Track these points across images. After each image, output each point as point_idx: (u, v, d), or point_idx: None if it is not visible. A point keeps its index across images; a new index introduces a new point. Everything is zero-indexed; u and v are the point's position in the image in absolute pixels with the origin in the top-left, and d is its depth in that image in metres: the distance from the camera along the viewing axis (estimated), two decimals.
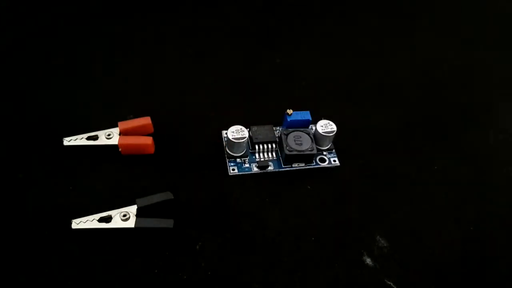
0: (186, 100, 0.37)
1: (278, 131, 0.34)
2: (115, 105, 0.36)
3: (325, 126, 0.33)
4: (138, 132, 0.33)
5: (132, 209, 0.29)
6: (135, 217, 0.28)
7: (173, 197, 0.30)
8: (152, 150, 0.33)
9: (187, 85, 0.38)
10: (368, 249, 0.29)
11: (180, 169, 0.32)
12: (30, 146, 0.33)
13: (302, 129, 0.33)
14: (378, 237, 0.30)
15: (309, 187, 0.32)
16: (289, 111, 0.33)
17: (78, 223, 0.28)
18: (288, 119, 0.33)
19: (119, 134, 0.32)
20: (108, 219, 0.28)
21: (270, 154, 0.33)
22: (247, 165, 0.33)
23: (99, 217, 0.28)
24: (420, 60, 0.43)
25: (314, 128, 0.33)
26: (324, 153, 0.34)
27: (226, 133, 0.33)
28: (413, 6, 0.50)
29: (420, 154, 0.35)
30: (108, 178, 0.31)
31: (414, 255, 0.29)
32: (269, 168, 0.33)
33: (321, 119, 0.33)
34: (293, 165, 0.33)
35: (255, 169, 0.33)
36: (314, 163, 0.33)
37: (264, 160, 0.33)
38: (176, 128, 0.35)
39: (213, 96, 0.38)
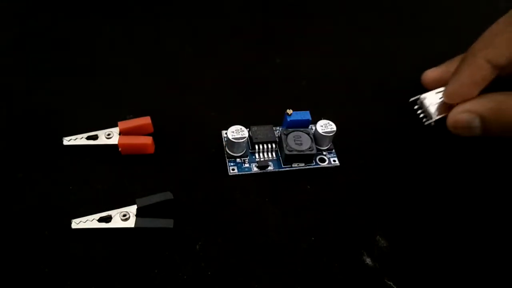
0: (186, 100, 0.37)
1: (278, 131, 0.34)
2: (115, 105, 0.36)
3: (325, 126, 0.33)
4: (138, 132, 0.33)
5: (132, 209, 0.29)
6: (135, 217, 0.28)
7: (173, 197, 0.30)
8: (152, 150, 0.33)
9: (187, 85, 0.38)
10: (368, 249, 0.29)
11: (180, 169, 0.32)
12: (30, 146, 0.33)
13: (302, 129, 0.33)
14: (378, 237, 0.30)
15: (309, 187, 0.32)
16: (289, 111, 0.33)
17: (78, 223, 0.28)
18: (288, 119, 0.33)
19: (119, 134, 0.32)
20: (108, 219, 0.28)
21: (270, 154, 0.33)
22: (247, 165, 0.33)
23: (99, 217, 0.28)
24: (421, 60, 0.43)
25: (314, 128, 0.33)
26: (324, 153, 0.34)
27: (226, 133, 0.33)
28: (414, 6, 0.50)
29: (420, 154, 0.35)
30: (108, 178, 0.31)
31: (414, 255, 0.29)
32: (269, 168, 0.33)
33: (321, 119, 0.33)
34: (293, 165, 0.33)
35: (255, 169, 0.33)
36: (314, 163, 0.33)
37: (264, 160, 0.33)
38: (176, 128, 0.35)
39: (213, 96, 0.38)
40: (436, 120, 0.32)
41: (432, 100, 0.32)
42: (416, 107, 0.32)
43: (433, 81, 0.33)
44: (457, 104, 0.30)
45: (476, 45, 0.30)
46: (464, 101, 0.30)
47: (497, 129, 0.29)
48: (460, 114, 0.29)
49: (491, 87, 0.30)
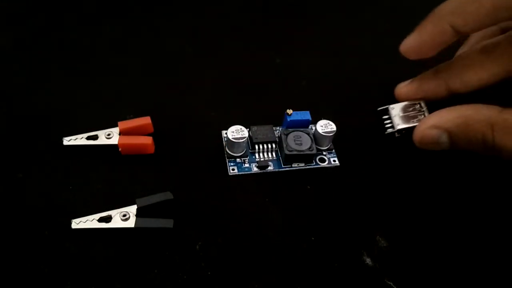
0: (186, 100, 0.37)
1: (278, 131, 0.34)
2: (115, 105, 0.36)
3: (325, 126, 0.33)
4: (138, 132, 0.33)
5: (132, 209, 0.29)
6: (135, 217, 0.28)
7: (173, 197, 0.30)
8: (152, 150, 0.33)
9: (187, 85, 0.38)
10: (368, 249, 0.29)
11: (180, 169, 0.32)
12: (30, 146, 0.33)
13: (302, 129, 0.33)
14: (378, 237, 0.30)
15: (309, 187, 0.32)
16: (289, 111, 0.33)
17: (78, 223, 0.28)
18: (288, 119, 0.33)
19: (119, 134, 0.32)
20: (108, 219, 0.28)
21: (270, 154, 0.33)
22: (247, 165, 0.33)
23: (99, 217, 0.28)
24: (421, 60, 0.43)
25: (314, 128, 0.33)
26: (324, 153, 0.34)
27: (226, 133, 0.33)
28: (414, 6, 0.50)
29: (420, 154, 0.35)
30: (108, 178, 0.31)
31: (414, 255, 0.29)
32: (269, 168, 0.33)
33: (321, 119, 0.33)
34: (293, 165, 0.33)
35: (255, 169, 0.33)
36: (314, 163, 0.33)
37: (264, 160, 0.33)
38: (176, 128, 0.35)
39: (213, 96, 0.38)
40: (401, 132, 0.32)
41: (398, 111, 0.33)
42: (384, 117, 0.33)
43: (406, 97, 0.33)
44: (424, 117, 0.31)
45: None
46: (431, 115, 0.30)
47: (465, 144, 0.28)
48: (427, 130, 0.29)
49: (456, 101, 0.30)
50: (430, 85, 0.33)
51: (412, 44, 0.32)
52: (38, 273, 0.27)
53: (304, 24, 0.46)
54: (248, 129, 0.33)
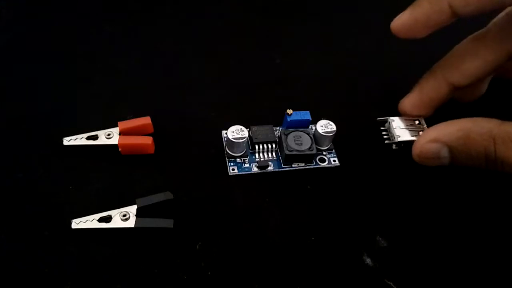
0: (186, 100, 0.37)
1: (278, 131, 0.34)
2: (115, 105, 0.36)
3: (325, 126, 0.33)
4: (138, 132, 0.33)
5: (132, 209, 0.29)
6: (135, 217, 0.28)
7: (173, 197, 0.30)
8: (152, 150, 0.33)
9: (187, 85, 0.38)
10: (368, 249, 0.29)
11: (180, 169, 0.32)
12: (30, 146, 0.33)
13: (302, 129, 0.33)
14: (378, 237, 0.30)
15: (309, 187, 0.32)
16: (289, 111, 0.33)
17: (78, 223, 0.28)
18: (288, 119, 0.33)
19: (119, 134, 0.32)
20: (108, 219, 0.28)
21: (270, 154, 0.33)
22: (247, 165, 0.33)
23: (99, 217, 0.28)
24: (421, 60, 0.43)
25: (314, 128, 0.33)
26: (324, 153, 0.34)
27: (226, 133, 0.33)
28: None
29: None
30: (108, 178, 0.31)
31: (414, 255, 0.29)
32: (269, 168, 0.33)
33: (321, 119, 0.33)
34: (293, 165, 0.33)
35: (255, 169, 0.33)
36: (314, 163, 0.33)
37: (264, 160, 0.33)
38: (176, 128, 0.35)
39: (213, 96, 0.38)
40: (400, 145, 0.32)
41: (399, 124, 0.32)
42: (382, 128, 0.33)
43: (411, 108, 0.32)
44: (422, 132, 0.31)
45: (441, 64, 0.32)
46: (430, 129, 0.29)
47: (467, 160, 0.27)
48: (426, 144, 0.28)
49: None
50: (430, 85, 0.32)
51: (405, 21, 0.31)
52: (38, 273, 0.27)
53: (304, 24, 0.46)
54: (248, 129, 0.33)
